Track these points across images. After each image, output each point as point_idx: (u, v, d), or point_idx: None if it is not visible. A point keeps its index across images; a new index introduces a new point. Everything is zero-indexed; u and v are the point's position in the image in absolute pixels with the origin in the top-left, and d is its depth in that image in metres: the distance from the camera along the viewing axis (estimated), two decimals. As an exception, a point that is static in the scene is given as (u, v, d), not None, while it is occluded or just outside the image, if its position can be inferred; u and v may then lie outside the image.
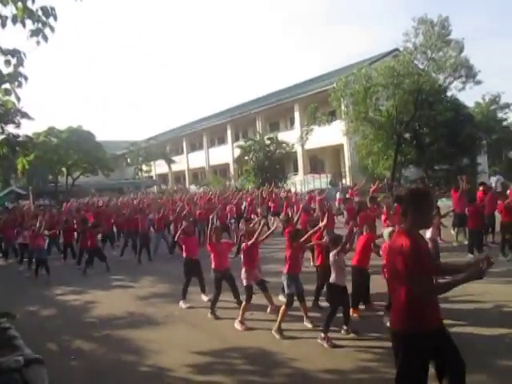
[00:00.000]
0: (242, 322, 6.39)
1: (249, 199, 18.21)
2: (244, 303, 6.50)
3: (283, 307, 6.00)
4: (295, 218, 8.05)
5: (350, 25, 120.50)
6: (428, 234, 8.04)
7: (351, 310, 6.15)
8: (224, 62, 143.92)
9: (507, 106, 40.50)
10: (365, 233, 6.81)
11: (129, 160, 50.20)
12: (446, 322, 3.20)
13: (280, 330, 5.91)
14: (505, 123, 39.44)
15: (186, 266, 8.00)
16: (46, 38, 7.13)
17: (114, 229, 16.40)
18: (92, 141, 39.63)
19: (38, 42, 7.31)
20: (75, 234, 14.62)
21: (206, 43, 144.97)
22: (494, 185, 18.69)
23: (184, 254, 8.13)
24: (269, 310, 6.80)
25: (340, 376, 4.75)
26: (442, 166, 24.69)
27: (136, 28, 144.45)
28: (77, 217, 16.10)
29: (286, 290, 6.18)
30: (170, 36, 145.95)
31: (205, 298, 7.80)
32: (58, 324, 7.37)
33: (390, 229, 6.41)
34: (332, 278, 5.82)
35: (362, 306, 6.69)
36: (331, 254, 5.89)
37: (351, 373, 4.79)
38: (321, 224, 6.96)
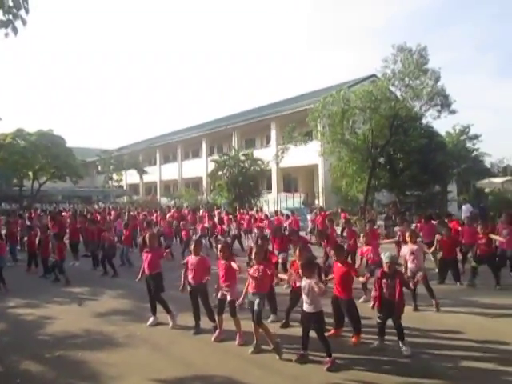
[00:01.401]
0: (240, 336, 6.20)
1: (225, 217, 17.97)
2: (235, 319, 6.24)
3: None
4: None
5: (331, 50, 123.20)
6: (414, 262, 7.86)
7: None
8: (203, 75, 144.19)
9: (476, 137, 41.80)
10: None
11: (99, 168, 49.01)
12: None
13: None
14: (474, 153, 40.60)
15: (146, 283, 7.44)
16: (15, 31, 6.63)
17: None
18: (62, 146, 38.46)
19: (6, 34, 6.79)
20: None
21: (187, 56, 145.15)
22: (463, 213, 18.91)
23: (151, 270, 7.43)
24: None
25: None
26: (414, 191, 24.93)
27: (112, 33, 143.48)
28: (39, 225, 15.32)
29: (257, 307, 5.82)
30: (148, 44, 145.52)
31: (170, 321, 7.20)
32: (6, 341, 6.69)
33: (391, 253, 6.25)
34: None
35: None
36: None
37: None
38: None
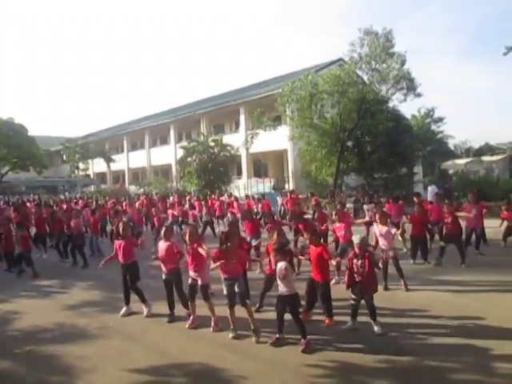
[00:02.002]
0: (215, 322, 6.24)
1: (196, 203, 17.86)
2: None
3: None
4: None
5: (299, 32, 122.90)
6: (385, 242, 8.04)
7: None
8: (169, 61, 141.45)
9: (440, 119, 42.94)
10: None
11: (64, 157, 47.54)
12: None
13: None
14: (438, 136, 41.71)
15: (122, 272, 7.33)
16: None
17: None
18: (24, 135, 37.03)
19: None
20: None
21: (153, 41, 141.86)
22: (429, 194, 19.43)
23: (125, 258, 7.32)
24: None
25: (290, 394, 4.44)
26: (382, 174, 25.38)
27: (75, 16, 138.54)
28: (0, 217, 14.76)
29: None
30: (114, 29, 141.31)
31: (145, 310, 7.16)
32: (-27, 338, 6.49)
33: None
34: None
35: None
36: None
37: (301, 390, 4.51)
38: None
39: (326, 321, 6.29)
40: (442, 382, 4.60)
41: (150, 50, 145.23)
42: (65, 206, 19.25)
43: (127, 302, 7.28)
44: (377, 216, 8.61)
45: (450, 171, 33.48)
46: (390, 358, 5.10)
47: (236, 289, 5.85)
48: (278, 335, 5.64)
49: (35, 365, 5.39)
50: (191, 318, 6.46)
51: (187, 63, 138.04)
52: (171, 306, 6.86)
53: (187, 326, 6.38)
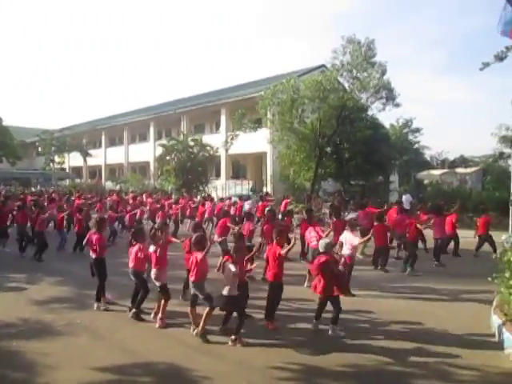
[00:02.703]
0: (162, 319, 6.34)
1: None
2: (163, 302, 6.39)
3: (208, 310, 5.83)
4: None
5: (284, 36, 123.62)
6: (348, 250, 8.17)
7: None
8: (151, 58, 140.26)
9: (417, 130, 43.72)
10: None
11: (40, 149, 46.52)
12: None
13: (204, 334, 5.81)
14: (415, 146, 42.44)
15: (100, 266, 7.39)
16: None
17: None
18: (-2, 124, 36.21)
19: None
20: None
21: (136, 37, 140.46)
22: (404, 203, 19.79)
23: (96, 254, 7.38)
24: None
25: (256, 396, 4.45)
26: (359, 181, 25.74)
27: (54, 5, 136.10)
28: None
29: (202, 295, 5.92)
30: (96, 21, 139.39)
31: (95, 305, 7.24)
32: None
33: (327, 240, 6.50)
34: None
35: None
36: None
37: (267, 393, 4.52)
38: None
39: (269, 326, 6.32)
40: None
41: (134, 45, 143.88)
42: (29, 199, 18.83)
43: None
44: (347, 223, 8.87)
45: (425, 181, 34.09)
46: (355, 362, 5.17)
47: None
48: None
49: (-3, 360, 5.24)
50: (160, 317, 6.41)
51: (170, 61, 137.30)
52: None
53: (157, 326, 6.32)
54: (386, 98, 21.61)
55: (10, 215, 14.99)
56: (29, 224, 12.87)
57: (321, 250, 6.24)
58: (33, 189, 37.76)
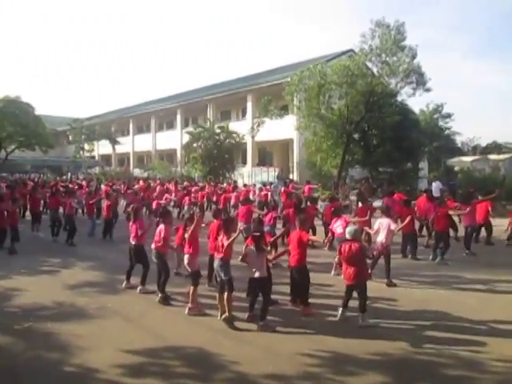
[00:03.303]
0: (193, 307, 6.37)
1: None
2: (193, 288, 6.41)
3: (228, 294, 5.85)
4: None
5: (310, 22, 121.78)
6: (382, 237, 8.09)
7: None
8: (178, 45, 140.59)
9: (448, 115, 42.53)
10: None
11: (70, 137, 47.57)
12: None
13: (231, 319, 5.85)
14: (446, 132, 41.36)
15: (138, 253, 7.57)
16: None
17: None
18: (31, 113, 37.04)
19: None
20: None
21: (162, 25, 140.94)
22: (434, 191, 19.37)
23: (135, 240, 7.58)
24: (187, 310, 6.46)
25: (283, 382, 4.48)
26: (387, 168, 25.28)
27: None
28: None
29: (226, 276, 5.94)
30: (125, 9, 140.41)
31: (138, 288, 7.47)
32: (-28, 313, 6.57)
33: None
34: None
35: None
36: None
37: (294, 378, 4.54)
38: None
39: (304, 310, 6.39)
40: (433, 377, 4.62)
41: (161, 33, 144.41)
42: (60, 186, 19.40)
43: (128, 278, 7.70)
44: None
45: (456, 168, 33.30)
46: (383, 350, 5.13)
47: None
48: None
49: (33, 341, 5.44)
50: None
51: (197, 48, 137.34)
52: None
53: (186, 312, 6.38)
54: (416, 83, 21.03)
55: (42, 201, 15.49)
56: (61, 210, 13.25)
57: (348, 237, 6.15)
58: (64, 176, 38.71)
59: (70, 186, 20.59)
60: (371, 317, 6.06)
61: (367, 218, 9.41)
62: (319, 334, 5.62)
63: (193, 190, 18.21)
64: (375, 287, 7.32)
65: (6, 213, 11.22)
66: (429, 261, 10.04)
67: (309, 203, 12.40)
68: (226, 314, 5.87)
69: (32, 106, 37.75)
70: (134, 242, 7.52)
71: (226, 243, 5.91)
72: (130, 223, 7.66)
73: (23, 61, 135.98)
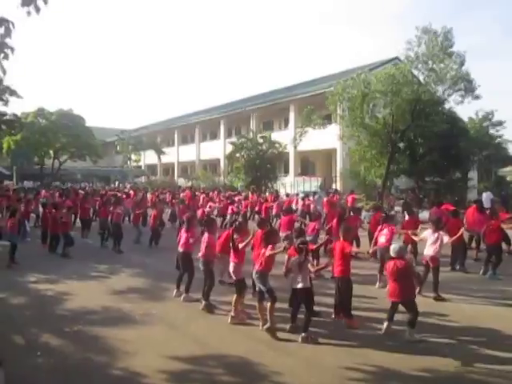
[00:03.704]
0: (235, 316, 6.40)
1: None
2: (236, 297, 6.45)
3: (270, 304, 5.87)
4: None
5: (353, 30, 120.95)
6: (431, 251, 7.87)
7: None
8: (221, 57, 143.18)
9: (499, 123, 40.69)
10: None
11: (118, 148, 49.36)
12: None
13: (273, 329, 5.83)
14: (497, 140, 39.63)
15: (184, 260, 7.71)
16: (37, 9, 6.63)
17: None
18: (82, 125, 38.89)
19: (28, 13, 6.79)
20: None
21: (206, 38, 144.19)
22: (484, 201, 18.61)
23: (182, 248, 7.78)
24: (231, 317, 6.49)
25: (326, 395, 4.41)
26: (434, 177, 24.54)
27: (133, 14, 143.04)
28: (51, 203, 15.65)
29: (264, 287, 5.97)
30: (169, 24, 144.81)
31: (182, 296, 7.58)
32: (27, 315, 6.90)
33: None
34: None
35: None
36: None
37: (337, 392, 4.46)
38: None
39: (347, 322, 6.28)
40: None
41: (205, 45, 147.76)
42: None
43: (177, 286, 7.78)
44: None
45: (508, 178, 31.79)
46: (430, 366, 4.94)
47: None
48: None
49: (82, 344, 5.65)
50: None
51: (240, 59, 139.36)
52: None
53: (229, 321, 6.40)
54: (464, 90, 20.33)
55: (92, 209, 16.12)
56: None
57: (393, 254, 5.97)
58: (112, 185, 40.13)
59: (118, 194, 21.31)
60: (419, 331, 5.84)
61: (417, 231, 9.12)
62: (363, 348, 5.49)
63: (236, 199, 18.39)
64: (423, 302, 7.09)
65: (60, 219, 11.79)
66: (479, 275, 9.61)
67: (352, 213, 12.20)
68: (269, 324, 5.85)
69: (83, 118, 39.61)
70: (181, 250, 7.63)
71: (266, 254, 5.92)
72: (183, 231, 7.78)
73: (75, 74, 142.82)
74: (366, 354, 5.29)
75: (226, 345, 5.59)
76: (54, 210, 12.48)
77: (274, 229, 6.99)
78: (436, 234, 7.88)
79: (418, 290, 7.33)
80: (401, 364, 5.01)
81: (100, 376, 4.79)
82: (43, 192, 22.56)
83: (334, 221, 10.15)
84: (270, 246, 5.99)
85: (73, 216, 16.68)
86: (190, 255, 7.61)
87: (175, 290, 7.76)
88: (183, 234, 7.66)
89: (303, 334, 5.64)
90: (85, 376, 4.79)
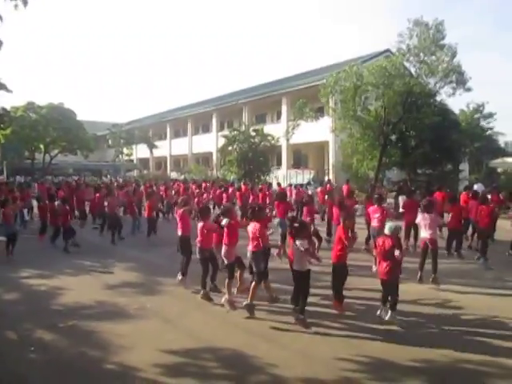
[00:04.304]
0: (230, 302, 6.56)
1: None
2: (227, 280, 6.63)
3: (253, 285, 6.22)
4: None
5: (343, 23, 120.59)
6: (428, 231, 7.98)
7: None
8: (213, 50, 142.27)
9: (490, 115, 40.94)
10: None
11: (110, 142, 49.06)
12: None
13: (251, 306, 6.17)
14: (488, 132, 39.88)
15: (183, 243, 7.94)
16: (25, 3, 6.53)
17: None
18: (73, 119, 38.54)
19: (15, 6, 6.70)
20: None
21: (197, 28, 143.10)
22: (475, 193, 18.74)
23: (180, 232, 8.03)
24: (236, 290, 6.94)
25: (319, 386, 4.45)
26: (426, 170, 24.69)
27: (125, 7, 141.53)
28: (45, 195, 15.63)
29: (257, 268, 6.30)
30: (159, 16, 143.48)
31: (179, 276, 7.82)
32: (20, 310, 6.84)
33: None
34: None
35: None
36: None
37: (330, 383, 4.49)
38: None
39: (337, 308, 6.44)
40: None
41: (196, 37, 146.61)
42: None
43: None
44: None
45: (499, 169, 32.04)
46: (425, 357, 4.99)
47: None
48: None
49: (77, 339, 5.63)
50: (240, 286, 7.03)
51: (232, 52, 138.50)
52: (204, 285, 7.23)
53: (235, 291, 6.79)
54: (456, 82, 20.44)
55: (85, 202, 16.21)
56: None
57: (387, 232, 6.10)
58: (104, 178, 39.93)
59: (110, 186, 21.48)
60: (418, 320, 5.96)
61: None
62: (358, 339, 5.53)
63: (230, 189, 18.68)
64: (419, 290, 7.18)
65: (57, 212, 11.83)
66: (474, 263, 9.73)
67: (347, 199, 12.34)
68: (248, 301, 6.17)
69: (74, 112, 39.24)
70: (180, 233, 7.93)
71: (257, 227, 6.30)
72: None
73: (65, 68, 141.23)
74: (362, 345, 5.34)
75: (221, 338, 5.61)
76: (49, 202, 12.52)
77: (258, 205, 7.29)
78: (428, 217, 8.00)
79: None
80: (396, 354, 5.05)
81: (94, 370, 4.79)
82: (36, 185, 22.45)
83: (335, 209, 10.24)
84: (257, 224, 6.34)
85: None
86: (189, 238, 7.92)
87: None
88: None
89: (301, 316, 5.74)
90: (79, 371, 4.79)
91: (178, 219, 8.24)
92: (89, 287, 8.13)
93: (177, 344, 5.39)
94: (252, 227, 6.49)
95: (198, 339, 5.56)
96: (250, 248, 6.47)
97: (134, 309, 6.79)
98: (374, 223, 9.02)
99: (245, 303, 6.22)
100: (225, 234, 6.81)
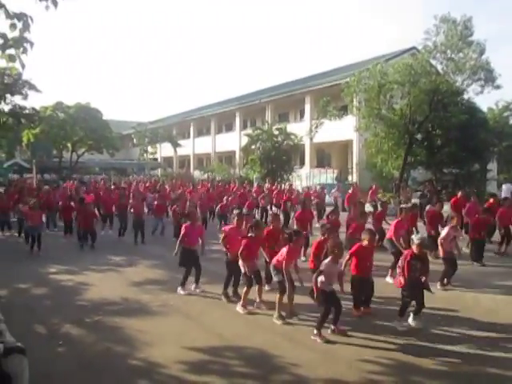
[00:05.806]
0: (244, 306, 6.55)
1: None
2: (246, 288, 6.60)
3: (278, 295, 6.16)
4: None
5: (365, 21, 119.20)
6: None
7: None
8: (237, 49, 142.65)
9: (520, 113, 39.75)
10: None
11: (135, 140, 49.73)
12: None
13: (281, 316, 6.10)
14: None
15: (183, 255, 7.62)
16: (55, 4, 6.67)
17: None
18: (99, 119, 39.16)
19: (46, 7, 6.85)
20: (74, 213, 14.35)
21: (222, 30, 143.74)
22: (503, 193, 18.27)
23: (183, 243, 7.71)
24: (255, 304, 6.77)
25: (342, 387, 4.42)
26: (452, 169, 24.18)
27: (150, 8, 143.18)
28: (75, 197, 15.78)
29: (276, 278, 6.29)
30: (184, 16, 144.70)
31: (193, 287, 7.67)
32: (48, 305, 7.05)
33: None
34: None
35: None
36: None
37: (353, 384, 4.47)
38: None
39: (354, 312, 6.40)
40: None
41: (219, 37, 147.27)
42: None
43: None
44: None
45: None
46: (450, 361, 4.90)
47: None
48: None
49: (102, 334, 5.75)
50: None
51: (256, 51, 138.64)
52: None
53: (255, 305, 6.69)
54: (484, 80, 19.96)
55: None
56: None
57: (416, 241, 5.94)
58: (130, 177, 40.51)
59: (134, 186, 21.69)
60: (442, 324, 5.88)
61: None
62: (382, 341, 5.46)
63: (254, 190, 18.58)
64: (448, 295, 7.05)
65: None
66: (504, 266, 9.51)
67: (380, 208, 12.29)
68: (276, 313, 6.12)
69: (100, 111, 39.89)
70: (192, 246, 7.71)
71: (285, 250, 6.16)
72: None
73: (93, 69, 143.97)
74: (386, 347, 5.28)
75: (243, 336, 5.63)
76: (79, 205, 12.84)
77: (296, 231, 7.08)
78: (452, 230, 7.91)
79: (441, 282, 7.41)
80: (420, 358, 4.97)
81: (120, 365, 4.87)
82: (67, 183, 22.94)
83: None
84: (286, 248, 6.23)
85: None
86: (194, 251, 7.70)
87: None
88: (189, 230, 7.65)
89: (314, 331, 5.55)
90: (106, 365, 4.88)
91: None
92: (114, 284, 8.29)
93: (200, 341, 5.44)
94: (284, 249, 6.27)
95: (220, 337, 5.60)
96: (273, 261, 6.40)
97: (157, 306, 6.89)
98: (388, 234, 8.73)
99: (277, 322, 6.07)
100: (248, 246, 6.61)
